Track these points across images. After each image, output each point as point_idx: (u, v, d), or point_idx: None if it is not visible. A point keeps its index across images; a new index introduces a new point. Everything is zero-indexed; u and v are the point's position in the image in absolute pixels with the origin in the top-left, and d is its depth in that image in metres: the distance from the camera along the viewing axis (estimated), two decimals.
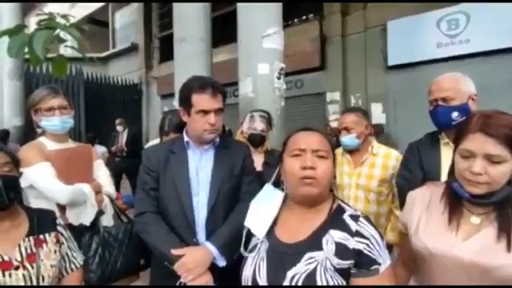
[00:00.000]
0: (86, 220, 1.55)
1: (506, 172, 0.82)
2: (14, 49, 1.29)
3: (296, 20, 6.18)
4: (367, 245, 0.84)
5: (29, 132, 6.10)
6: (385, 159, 1.84)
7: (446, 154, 1.30)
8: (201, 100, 1.26)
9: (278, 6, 2.65)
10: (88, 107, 7.41)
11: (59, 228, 1.17)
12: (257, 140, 2.05)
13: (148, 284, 1.46)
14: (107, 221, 1.65)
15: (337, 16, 5.67)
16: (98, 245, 1.49)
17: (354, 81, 5.58)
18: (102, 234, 1.52)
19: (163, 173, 1.31)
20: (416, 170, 1.37)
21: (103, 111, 7.67)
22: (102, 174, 1.76)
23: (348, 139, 1.83)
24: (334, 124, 5.33)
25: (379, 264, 0.84)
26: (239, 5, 2.71)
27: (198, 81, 1.30)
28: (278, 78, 2.58)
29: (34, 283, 1.03)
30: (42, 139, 1.65)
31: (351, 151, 1.88)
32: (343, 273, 0.83)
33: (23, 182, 1.54)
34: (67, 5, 10.70)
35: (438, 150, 1.36)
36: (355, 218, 0.88)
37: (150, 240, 1.28)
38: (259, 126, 2.07)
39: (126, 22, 10.16)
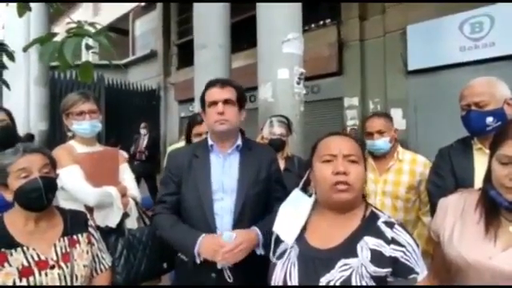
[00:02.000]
0: (113, 222, 1.59)
1: None
2: (45, 55, 1.35)
3: (313, 25, 6.16)
4: (404, 253, 0.81)
5: (53, 136, 6.32)
6: (412, 165, 1.80)
7: (480, 160, 1.26)
8: (210, 93, 1.30)
9: (298, 11, 2.66)
10: (108, 112, 7.62)
11: (90, 229, 1.21)
12: (276, 145, 2.04)
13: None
14: (131, 223, 1.68)
15: (355, 21, 5.62)
16: (123, 247, 1.51)
17: (372, 86, 5.49)
18: (127, 237, 1.55)
19: (186, 177, 1.31)
20: (448, 176, 1.32)
21: (123, 116, 7.86)
22: (128, 177, 1.81)
23: (382, 142, 1.79)
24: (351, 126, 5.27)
25: (417, 273, 0.81)
26: (259, 9, 2.73)
27: (212, 80, 1.34)
28: (298, 83, 2.57)
29: (69, 282, 1.06)
30: (71, 142, 1.72)
31: (376, 157, 1.85)
32: (379, 281, 0.80)
33: None
34: (90, 14, 11.08)
35: (471, 156, 1.31)
36: (390, 224, 0.86)
37: (173, 235, 1.27)
38: (278, 130, 2.07)
39: (146, 30, 10.43)
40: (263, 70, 2.67)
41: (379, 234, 0.84)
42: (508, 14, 4.15)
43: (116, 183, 1.71)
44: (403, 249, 0.81)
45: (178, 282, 1.42)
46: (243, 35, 5.68)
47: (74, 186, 1.55)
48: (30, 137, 5.86)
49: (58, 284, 1.04)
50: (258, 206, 1.30)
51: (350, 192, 0.86)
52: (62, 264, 1.07)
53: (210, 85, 1.31)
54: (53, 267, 1.05)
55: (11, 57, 4.14)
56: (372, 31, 5.51)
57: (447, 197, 1.02)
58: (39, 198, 1.03)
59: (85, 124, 1.67)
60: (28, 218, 1.07)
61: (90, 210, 1.58)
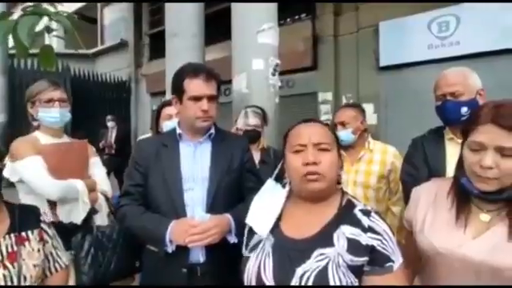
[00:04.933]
0: (78, 218, 1.49)
1: None
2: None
3: (289, 19, 6.16)
4: (381, 241, 0.81)
5: (12, 129, 5.90)
6: (382, 155, 1.84)
7: (451, 149, 1.30)
8: (193, 85, 1.20)
9: (273, 2, 2.63)
10: (75, 104, 7.20)
11: (43, 225, 1.10)
12: (252, 136, 2.01)
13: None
14: (101, 220, 1.60)
15: (329, 16, 5.68)
16: (90, 245, 1.43)
17: (345, 81, 5.60)
18: (94, 234, 1.46)
19: (153, 167, 1.24)
20: (421, 165, 1.35)
21: (90, 109, 7.48)
22: (99, 172, 1.71)
23: (344, 134, 1.81)
24: (325, 120, 5.35)
25: (393, 261, 0.81)
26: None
27: (191, 66, 1.24)
28: (273, 75, 2.55)
29: (15, 283, 0.96)
30: (36, 133, 1.59)
31: (347, 148, 1.87)
32: (355, 270, 0.79)
33: (13, 176, 1.48)
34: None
35: (443, 146, 1.35)
36: (367, 212, 0.85)
37: (142, 224, 1.19)
38: (253, 121, 2.04)
39: (116, 19, 9.95)
40: (238, 61, 2.61)
41: (356, 223, 0.83)
42: (472, 14, 4.36)
43: (84, 177, 1.61)
44: (380, 237, 0.81)
45: (145, 278, 1.34)
46: (218, 27, 5.57)
47: (33, 177, 1.43)
48: None
49: (2, 284, 0.94)
50: (231, 196, 1.25)
51: (321, 182, 0.84)
52: (8, 264, 0.97)
53: (193, 74, 1.21)
54: None
55: None
56: (346, 27, 5.59)
57: (420, 186, 1.02)
58: None
59: (54, 112, 1.55)
60: None
61: (54, 204, 1.48)
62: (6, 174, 1.49)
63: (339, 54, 5.66)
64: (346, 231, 0.82)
